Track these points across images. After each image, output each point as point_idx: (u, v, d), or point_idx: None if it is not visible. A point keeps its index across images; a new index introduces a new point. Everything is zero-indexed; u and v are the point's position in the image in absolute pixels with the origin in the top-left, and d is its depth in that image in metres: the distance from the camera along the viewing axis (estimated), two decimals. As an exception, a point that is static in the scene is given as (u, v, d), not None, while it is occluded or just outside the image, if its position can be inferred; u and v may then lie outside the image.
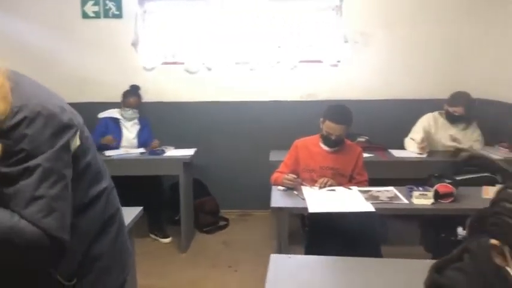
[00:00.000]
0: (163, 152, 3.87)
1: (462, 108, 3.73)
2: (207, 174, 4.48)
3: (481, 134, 3.86)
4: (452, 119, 3.81)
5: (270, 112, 4.45)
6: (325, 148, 3.01)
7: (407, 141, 3.92)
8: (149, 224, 4.02)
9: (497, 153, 3.67)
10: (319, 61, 4.43)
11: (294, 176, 2.87)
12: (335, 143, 2.96)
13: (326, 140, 2.97)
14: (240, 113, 4.48)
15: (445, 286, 0.97)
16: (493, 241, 0.93)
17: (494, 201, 0.96)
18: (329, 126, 2.91)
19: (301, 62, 4.44)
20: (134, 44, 4.41)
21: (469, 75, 4.27)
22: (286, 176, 2.86)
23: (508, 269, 0.91)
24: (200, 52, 4.44)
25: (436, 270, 1.03)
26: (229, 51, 4.43)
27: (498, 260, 0.93)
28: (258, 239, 3.95)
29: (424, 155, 3.70)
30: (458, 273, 0.99)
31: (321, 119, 2.98)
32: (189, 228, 3.94)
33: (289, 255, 1.89)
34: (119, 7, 4.35)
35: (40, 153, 1.03)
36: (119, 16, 4.36)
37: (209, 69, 4.47)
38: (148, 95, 4.35)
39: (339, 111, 2.94)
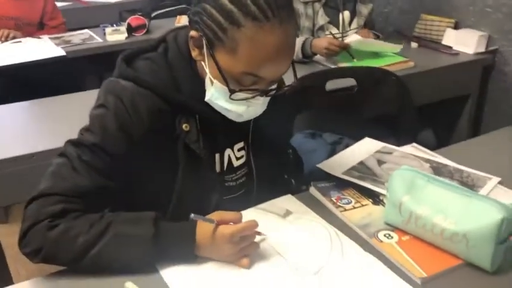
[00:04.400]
0: None
1: None
2: None
3: None
4: None
5: None
6: (-1, -5, 2.52)
7: None
8: None
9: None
10: None
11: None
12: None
13: (-4, -16, 2.48)
14: None
15: (130, 76, 0.87)
16: (193, 32, 0.84)
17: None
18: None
19: None
20: None
21: None
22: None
23: (203, 63, 0.86)
24: None
25: (125, 59, 0.91)
26: None
27: (194, 53, 0.87)
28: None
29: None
30: (148, 63, 0.91)
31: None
32: None
33: None
34: None
35: None
36: None
37: None
38: None
39: None
